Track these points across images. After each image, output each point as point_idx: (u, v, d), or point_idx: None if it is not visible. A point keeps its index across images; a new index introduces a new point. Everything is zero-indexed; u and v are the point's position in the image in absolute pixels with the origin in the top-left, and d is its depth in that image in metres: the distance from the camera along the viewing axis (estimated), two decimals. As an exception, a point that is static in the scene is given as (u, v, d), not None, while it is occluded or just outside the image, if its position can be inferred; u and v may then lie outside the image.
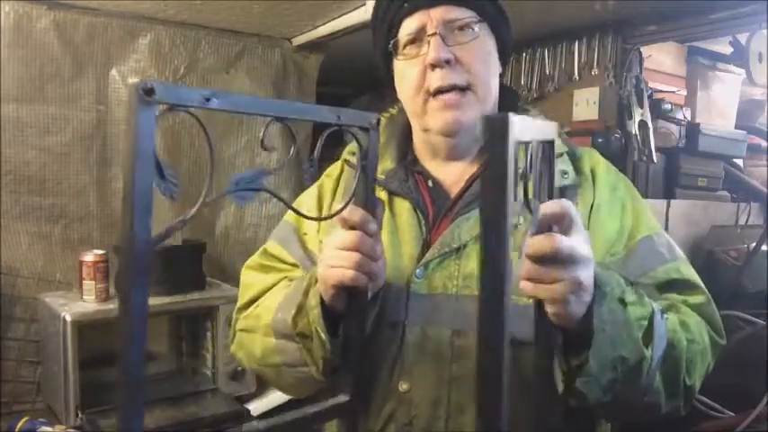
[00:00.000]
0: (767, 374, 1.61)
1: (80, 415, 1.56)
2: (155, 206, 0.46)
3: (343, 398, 0.74)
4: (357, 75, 2.37)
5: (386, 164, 1.01)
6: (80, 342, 1.56)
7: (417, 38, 0.93)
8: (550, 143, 0.63)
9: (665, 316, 0.82)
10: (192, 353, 1.92)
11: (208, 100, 0.53)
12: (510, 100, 1.03)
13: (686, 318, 0.87)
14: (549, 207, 0.67)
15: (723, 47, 2.23)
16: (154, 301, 1.67)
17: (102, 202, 1.90)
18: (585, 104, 2.00)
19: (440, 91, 0.91)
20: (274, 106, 0.61)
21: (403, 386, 0.90)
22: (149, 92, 0.48)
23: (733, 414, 1.78)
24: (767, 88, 2.43)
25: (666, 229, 1.65)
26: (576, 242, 0.67)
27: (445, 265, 0.91)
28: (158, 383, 1.79)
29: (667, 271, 0.91)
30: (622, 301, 0.74)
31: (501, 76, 1.00)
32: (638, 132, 1.93)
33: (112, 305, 1.65)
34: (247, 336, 0.98)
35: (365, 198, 0.74)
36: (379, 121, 0.73)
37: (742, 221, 2.30)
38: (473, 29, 0.92)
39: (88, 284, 1.66)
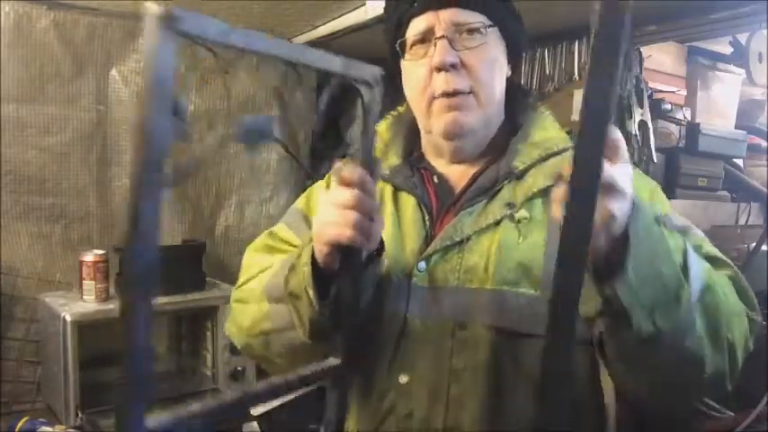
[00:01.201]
0: (767, 374, 1.61)
1: (80, 415, 1.56)
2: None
3: (333, 361, 0.70)
4: (357, 75, 2.37)
5: (392, 160, 1.02)
6: (80, 342, 1.56)
7: (425, 38, 0.93)
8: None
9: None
10: (192, 353, 1.92)
11: (227, 35, 0.46)
12: (519, 99, 1.02)
13: (719, 280, 0.83)
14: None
15: (723, 47, 2.23)
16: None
17: (102, 202, 1.90)
18: (585, 104, 2.00)
19: (443, 94, 0.91)
20: (287, 49, 0.57)
21: (403, 378, 0.90)
22: (172, 20, 0.41)
23: (733, 414, 1.78)
24: (767, 88, 2.42)
25: (666, 229, 1.65)
26: (618, 173, 0.66)
27: (447, 259, 0.91)
28: (158, 383, 1.79)
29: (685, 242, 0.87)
30: (658, 221, 0.73)
31: (510, 76, 1.00)
32: (638, 132, 1.93)
33: (112, 305, 1.65)
34: (239, 306, 0.98)
35: (366, 155, 0.72)
36: (383, 76, 0.70)
37: (742, 221, 2.30)
38: (481, 33, 0.92)
39: (88, 284, 1.66)
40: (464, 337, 0.88)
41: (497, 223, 0.91)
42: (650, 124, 1.95)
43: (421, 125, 1.00)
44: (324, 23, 1.89)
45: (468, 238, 0.91)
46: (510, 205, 0.91)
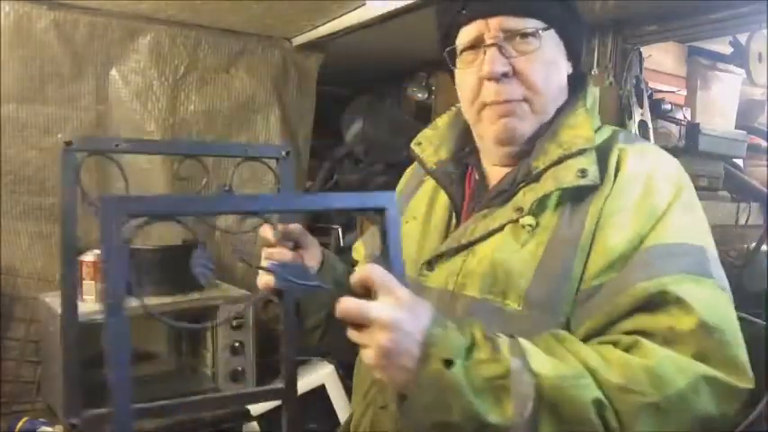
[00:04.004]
0: (767, 374, 1.61)
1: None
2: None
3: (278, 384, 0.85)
4: (357, 75, 2.37)
5: (441, 154, 1.02)
6: (80, 342, 1.56)
7: (475, 45, 0.90)
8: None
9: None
10: (192, 353, 1.92)
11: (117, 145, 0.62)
12: (578, 90, 0.96)
13: (636, 358, 0.71)
14: (355, 274, 0.70)
15: (723, 47, 2.23)
16: (154, 301, 1.68)
17: (102, 202, 1.90)
18: (585, 104, 2.00)
19: (494, 103, 0.90)
20: (186, 146, 0.75)
21: None
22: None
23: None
24: (767, 88, 2.42)
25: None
26: (376, 306, 0.66)
27: (453, 261, 0.91)
28: (158, 383, 1.79)
29: (647, 288, 0.76)
30: (448, 363, 0.67)
31: (571, 73, 0.96)
32: (638, 132, 1.93)
33: (112, 305, 1.65)
34: None
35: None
36: (288, 153, 0.85)
37: (742, 221, 2.30)
38: (535, 37, 0.88)
39: (88, 284, 1.66)
40: None
41: (503, 228, 0.88)
42: (650, 124, 1.95)
43: (473, 131, 0.99)
44: (324, 23, 1.88)
45: (476, 242, 0.90)
46: (519, 210, 0.87)
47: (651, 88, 2.04)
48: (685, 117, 2.17)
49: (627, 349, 0.74)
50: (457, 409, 0.67)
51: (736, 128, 2.36)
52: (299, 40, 2.07)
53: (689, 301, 0.74)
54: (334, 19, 1.82)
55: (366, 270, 0.69)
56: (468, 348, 0.70)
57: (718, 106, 2.34)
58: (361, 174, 2.43)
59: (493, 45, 0.88)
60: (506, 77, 0.88)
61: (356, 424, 0.98)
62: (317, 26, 1.92)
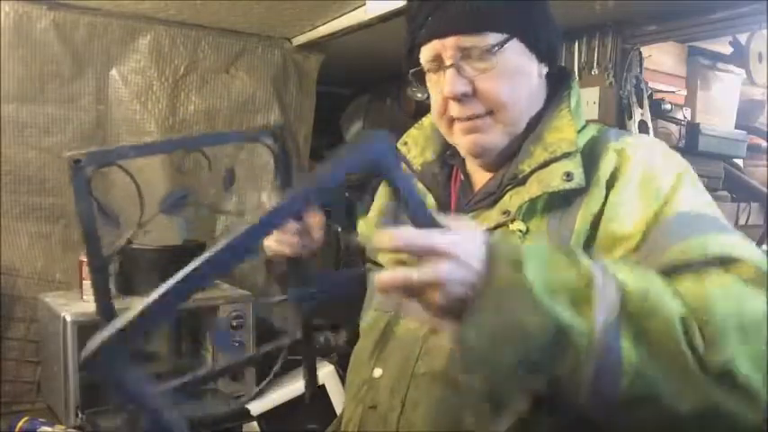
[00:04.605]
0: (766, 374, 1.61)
1: (80, 415, 1.56)
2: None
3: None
4: (357, 75, 2.37)
5: (426, 155, 1.03)
6: (80, 342, 1.56)
7: (439, 65, 0.90)
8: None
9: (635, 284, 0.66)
10: (192, 353, 1.92)
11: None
12: (562, 89, 0.95)
13: (704, 286, 0.68)
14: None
15: (723, 47, 2.23)
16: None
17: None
18: (585, 105, 2.00)
19: (459, 120, 0.90)
20: (187, 141, 0.84)
21: (377, 372, 0.94)
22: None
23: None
24: (767, 88, 2.42)
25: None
26: (443, 240, 0.60)
27: None
28: (158, 383, 1.79)
29: (686, 248, 0.73)
30: (518, 264, 0.61)
31: (551, 70, 0.94)
32: (638, 132, 1.93)
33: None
34: None
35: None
36: (282, 128, 0.87)
37: (742, 221, 2.30)
38: (493, 53, 0.86)
39: (88, 284, 1.66)
40: (432, 344, 0.89)
41: (491, 231, 0.87)
42: (650, 124, 1.96)
43: (449, 141, 0.99)
44: (324, 23, 1.89)
45: None
46: (506, 213, 0.87)
47: (651, 88, 2.04)
48: (685, 117, 2.17)
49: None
50: (530, 316, 0.60)
51: (736, 128, 2.36)
52: (299, 40, 2.07)
53: (740, 253, 0.72)
54: (334, 19, 1.82)
55: (392, 236, 0.59)
56: (540, 254, 0.64)
57: (718, 106, 2.34)
58: (361, 174, 2.43)
59: (451, 66, 0.87)
60: (467, 97, 0.88)
61: (346, 422, 0.98)
62: (317, 26, 1.92)
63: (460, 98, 0.87)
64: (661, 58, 2.12)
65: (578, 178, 0.83)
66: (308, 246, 1.00)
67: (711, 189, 2.23)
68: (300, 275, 1.02)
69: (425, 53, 0.91)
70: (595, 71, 1.97)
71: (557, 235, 0.83)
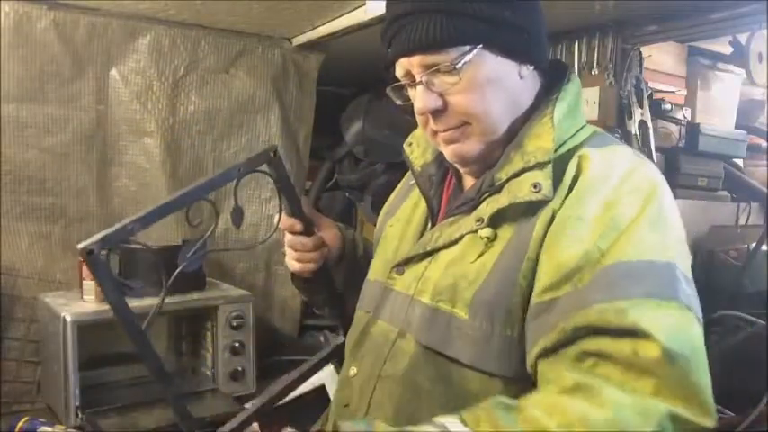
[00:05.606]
0: (767, 374, 1.61)
1: (80, 415, 1.56)
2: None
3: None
4: (357, 75, 2.36)
5: (426, 156, 1.05)
6: (80, 342, 1.56)
7: (412, 80, 0.90)
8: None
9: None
10: (192, 353, 1.92)
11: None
12: (552, 91, 0.93)
13: (595, 411, 0.69)
14: None
15: (723, 47, 2.23)
16: (154, 300, 1.67)
17: (102, 202, 1.90)
18: (585, 104, 2.00)
19: (437, 132, 0.92)
20: (190, 194, 0.93)
21: (352, 370, 0.97)
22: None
23: (733, 414, 1.78)
24: (767, 88, 2.42)
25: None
26: None
27: (418, 267, 0.94)
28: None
29: (606, 310, 0.73)
30: None
31: (540, 66, 0.93)
32: (637, 132, 1.93)
33: (112, 305, 1.65)
34: None
35: (291, 211, 1.02)
36: (276, 152, 0.93)
37: (742, 221, 2.30)
38: (458, 68, 0.84)
39: (88, 284, 1.66)
40: (399, 346, 0.91)
41: (463, 237, 0.89)
42: (650, 124, 1.96)
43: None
44: (324, 23, 1.88)
45: (438, 249, 0.92)
46: (480, 220, 0.87)
47: (651, 88, 2.04)
48: (685, 117, 2.17)
49: (578, 387, 0.71)
50: None
51: (736, 128, 2.36)
52: (299, 40, 2.07)
53: (650, 328, 0.71)
54: (334, 19, 1.82)
55: None
56: None
57: (718, 106, 2.33)
58: (361, 174, 2.43)
59: (420, 83, 0.88)
60: (439, 111, 0.88)
61: (328, 420, 1.04)
62: (317, 26, 1.92)
63: (433, 113, 0.88)
64: (661, 58, 2.12)
65: (546, 190, 0.82)
66: (328, 255, 1.09)
67: (711, 189, 2.23)
68: (330, 281, 1.12)
69: (398, 70, 0.92)
70: (595, 71, 1.97)
71: (517, 241, 0.84)
